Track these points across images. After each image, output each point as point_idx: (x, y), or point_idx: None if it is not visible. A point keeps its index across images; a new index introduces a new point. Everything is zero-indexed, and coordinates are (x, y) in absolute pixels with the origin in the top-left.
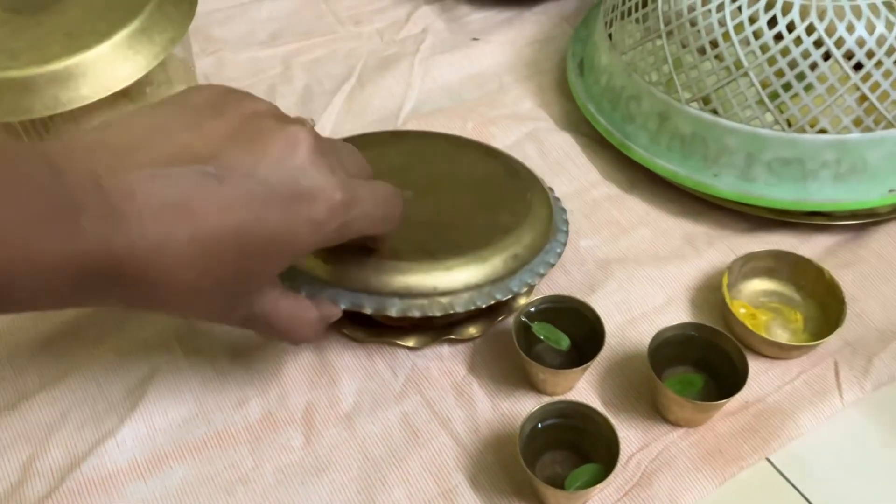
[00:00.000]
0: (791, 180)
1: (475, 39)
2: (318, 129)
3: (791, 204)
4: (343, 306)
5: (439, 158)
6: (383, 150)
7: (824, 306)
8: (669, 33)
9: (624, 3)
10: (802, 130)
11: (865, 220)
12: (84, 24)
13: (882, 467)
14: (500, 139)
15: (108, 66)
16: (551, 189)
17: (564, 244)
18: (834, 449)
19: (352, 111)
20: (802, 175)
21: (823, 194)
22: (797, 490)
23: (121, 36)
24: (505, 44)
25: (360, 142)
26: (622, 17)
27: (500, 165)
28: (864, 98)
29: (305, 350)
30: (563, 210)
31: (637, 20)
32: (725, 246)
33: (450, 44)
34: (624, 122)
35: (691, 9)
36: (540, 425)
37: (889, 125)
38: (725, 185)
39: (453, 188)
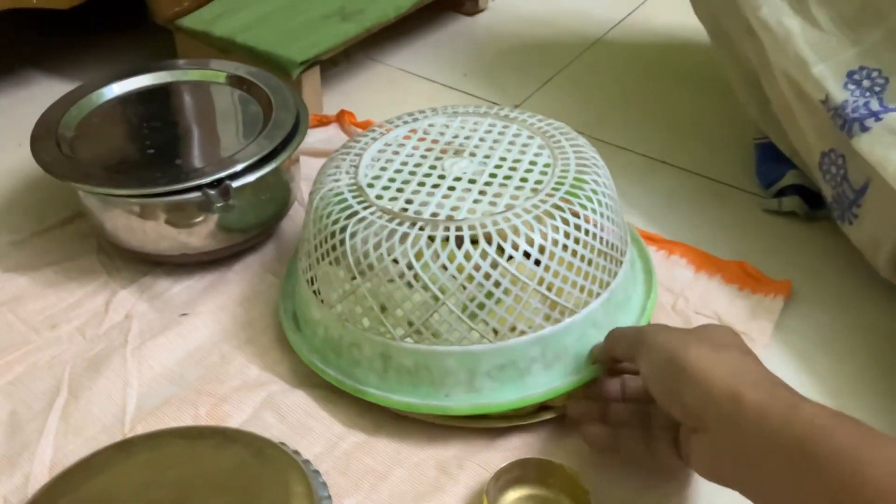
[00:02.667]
0: (511, 381)
1: (184, 314)
2: (38, 454)
3: (518, 402)
4: None
5: (179, 462)
6: (113, 472)
7: (574, 496)
8: (366, 278)
9: (319, 248)
10: (506, 337)
11: None
12: None
13: None
14: (237, 416)
15: None
16: (297, 453)
17: None
18: None
19: (70, 429)
20: (519, 373)
21: (541, 385)
22: None
23: None
24: (215, 311)
25: (83, 471)
26: (322, 261)
27: (243, 450)
28: (545, 298)
29: None
30: (318, 474)
31: (342, 275)
32: (475, 464)
33: (158, 325)
34: (351, 367)
35: (380, 259)
36: None
37: (571, 313)
38: (457, 402)
39: (205, 493)
